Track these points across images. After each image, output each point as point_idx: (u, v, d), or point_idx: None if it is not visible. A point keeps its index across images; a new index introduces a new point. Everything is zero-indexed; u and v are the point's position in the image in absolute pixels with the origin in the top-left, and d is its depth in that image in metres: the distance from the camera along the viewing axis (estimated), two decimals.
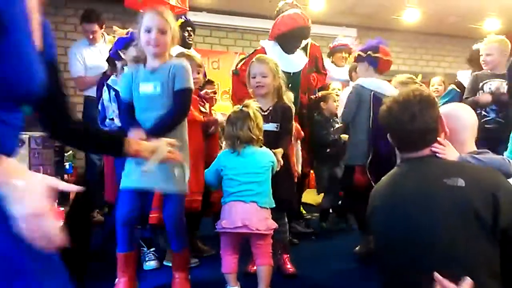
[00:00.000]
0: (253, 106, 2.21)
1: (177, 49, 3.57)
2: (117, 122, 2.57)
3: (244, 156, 2.13)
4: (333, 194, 3.67)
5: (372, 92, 2.79)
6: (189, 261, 2.32)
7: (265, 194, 2.14)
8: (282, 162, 2.30)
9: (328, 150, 3.59)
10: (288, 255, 2.59)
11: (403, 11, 5.83)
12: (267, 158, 2.19)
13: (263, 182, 2.14)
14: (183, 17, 3.75)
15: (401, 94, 1.55)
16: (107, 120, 2.64)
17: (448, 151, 1.50)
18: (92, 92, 3.51)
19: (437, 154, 1.49)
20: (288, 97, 2.60)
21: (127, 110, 2.17)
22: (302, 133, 3.11)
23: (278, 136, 2.43)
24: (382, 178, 1.63)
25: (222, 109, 5.15)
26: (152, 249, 2.61)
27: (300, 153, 3.18)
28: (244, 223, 2.04)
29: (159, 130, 2.02)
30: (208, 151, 2.79)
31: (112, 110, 2.63)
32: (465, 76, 3.70)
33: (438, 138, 1.50)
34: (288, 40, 3.20)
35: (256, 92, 2.54)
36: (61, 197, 2.25)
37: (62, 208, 1.98)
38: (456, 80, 3.82)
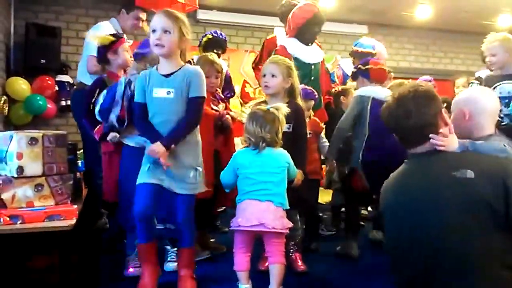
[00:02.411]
0: (284, 110, 2.20)
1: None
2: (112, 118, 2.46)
3: (262, 156, 2.12)
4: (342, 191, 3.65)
5: (371, 97, 2.83)
6: (194, 259, 2.31)
7: (281, 195, 2.13)
8: (300, 181, 2.33)
9: (341, 145, 3.55)
10: (299, 254, 2.58)
11: (415, 7, 5.77)
12: (283, 158, 2.18)
13: (279, 183, 2.13)
14: (212, 33, 3.83)
15: (398, 91, 1.55)
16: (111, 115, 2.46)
17: (448, 143, 1.48)
18: (86, 80, 3.30)
19: (436, 147, 1.47)
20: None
21: (142, 111, 2.16)
22: (322, 125, 3.12)
23: (290, 137, 2.39)
24: (391, 174, 1.62)
25: (231, 107, 5.16)
26: (175, 249, 2.55)
27: (326, 147, 3.17)
28: (260, 221, 2.03)
29: (176, 138, 2.09)
30: (224, 146, 2.81)
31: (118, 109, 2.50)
32: (484, 74, 3.64)
33: (440, 130, 1.48)
34: (307, 31, 3.24)
35: (263, 91, 2.55)
36: (74, 194, 2.29)
37: (75, 206, 2.00)
38: (477, 77, 3.78)
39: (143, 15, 3.57)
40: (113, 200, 2.60)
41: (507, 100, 3.12)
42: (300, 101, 2.58)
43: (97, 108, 2.49)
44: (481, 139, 1.61)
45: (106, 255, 2.71)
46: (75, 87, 3.66)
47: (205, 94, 2.19)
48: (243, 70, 5.90)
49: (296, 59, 3.20)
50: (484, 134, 1.66)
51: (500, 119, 3.13)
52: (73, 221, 1.87)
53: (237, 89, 5.14)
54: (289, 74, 2.49)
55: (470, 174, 1.35)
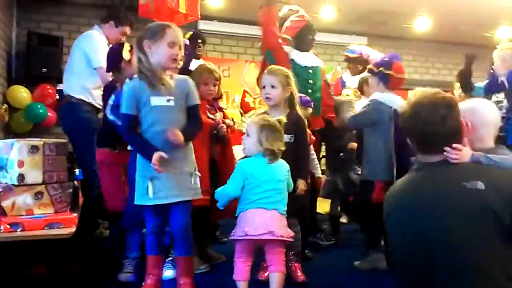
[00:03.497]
0: (283, 122, 2.25)
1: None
2: None
3: (269, 166, 2.14)
4: (338, 200, 3.65)
5: (393, 109, 2.74)
6: (193, 267, 2.31)
7: (283, 202, 2.16)
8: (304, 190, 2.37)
9: (341, 154, 3.57)
10: (299, 264, 2.58)
11: (415, 19, 5.82)
12: (286, 167, 2.21)
13: (282, 191, 2.16)
14: (192, 30, 3.89)
15: (425, 97, 1.53)
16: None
17: (461, 156, 1.49)
18: (76, 92, 3.31)
19: (450, 160, 1.47)
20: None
21: (132, 123, 2.10)
22: (313, 137, 3.11)
23: (292, 147, 2.41)
24: (396, 182, 1.62)
25: (231, 116, 5.17)
26: (170, 259, 2.55)
27: (315, 158, 3.18)
28: (268, 229, 2.03)
29: (189, 135, 2.11)
30: (222, 155, 2.83)
31: None
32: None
33: (454, 145, 1.48)
34: (302, 39, 3.30)
35: (265, 103, 2.59)
36: (73, 203, 2.29)
37: (75, 214, 2.00)
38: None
39: (129, 31, 3.57)
40: (114, 209, 2.61)
41: (501, 104, 3.19)
42: (299, 109, 2.60)
43: (108, 109, 2.49)
44: (482, 150, 1.61)
45: (107, 262, 2.70)
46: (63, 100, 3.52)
47: (199, 102, 2.23)
48: (244, 81, 5.94)
49: (293, 62, 3.26)
50: (484, 146, 1.66)
51: None
52: (73, 229, 1.87)
53: (237, 99, 5.18)
54: (288, 82, 2.52)
55: (480, 185, 1.36)
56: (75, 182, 2.89)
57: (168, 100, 2.09)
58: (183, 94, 2.14)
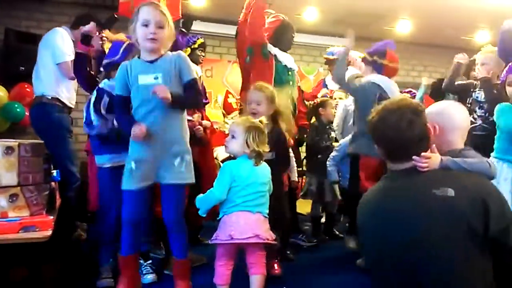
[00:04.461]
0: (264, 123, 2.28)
1: None
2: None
3: (255, 168, 2.14)
4: (321, 202, 3.66)
5: (378, 93, 2.75)
6: (191, 269, 2.28)
7: (266, 205, 2.16)
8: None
9: (319, 156, 3.58)
10: (276, 261, 2.61)
11: (396, 22, 5.88)
12: (268, 170, 2.22)
13: (265, 194, 2.17)
14: (201, 37, 3.91)
15: (391, 103, 1.54)
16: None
17: (430, 163, 1.47)
18: (51, 91, 3.24)
19: (420, 169, 1.46)
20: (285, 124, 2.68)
21: (122, 104, 2.11)
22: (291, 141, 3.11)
23: (273, 163, 2.39)
24: (369, 190, 1.61)
25: (213, 117, 5.14)
26: (148, 262, 2.55)
27: (294, 160, 3.18)
28: (254, 233, 2.03)
29: (179, 99, 2.04)
30: (202, 157, 2.80)
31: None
32: None
33: (422, 154, 1.47)
34: (280, 37, 3.28)
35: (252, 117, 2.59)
36: (49, 204, 2.24)
37: (51, 217, 1.95)
38: None
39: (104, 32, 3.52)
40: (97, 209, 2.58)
41: (481, 104, 3.24)
42: (283, 126, 2.63)
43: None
44: (451, 153, 1.59)
45: (85, 266, 2.65)
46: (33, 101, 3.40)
47: (196, 76, 2.19)
48: (226, 81, 5.90)
49: (276, 59, 3.25)
50: (452, 148, 1.64)
51: (473, 120, 3.24)
52: (49, 233, 1.82)
53: (220, 99, 5.15)
54: (273, 100, 2.58)
55: (450, 192, 1.36)
56: (52, 184, 2.84)
57: (156, 77, 2.04)
58: (172, 70, 2.07)
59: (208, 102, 4.14)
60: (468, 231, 1.32)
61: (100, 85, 2.46)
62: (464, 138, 1.71)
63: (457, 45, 6.73)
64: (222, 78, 5.91)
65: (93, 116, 2.35)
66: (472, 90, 3.28)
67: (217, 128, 4.62)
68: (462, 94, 3.41)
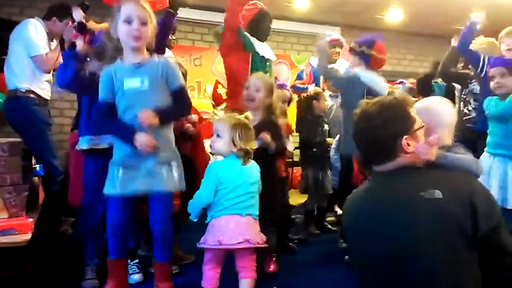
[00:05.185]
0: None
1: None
2: None
3: (244, 167, 2.04)
4: (318, 195, 3.62)
5: (367, 88, 2.74)
6: (172, 271, 2.22)
7: (256, 206, 2.07)
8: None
9: (314, 150, 3.54)
10: (272, 258, 2.58)
11: (387, 11, 5.82)
12: (257, 169, 2.12)
13: (255, 194, 2.07)
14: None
15: (376, 101, 1.47)
16: None
17: (430, 153, 1.42)
18: (27, 83, 3.11)
19: (422, 156, 1.41)
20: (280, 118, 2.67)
21: (108, 111, 2.00)
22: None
23: (259, 152, 2.31)
24: (354, 191, 1.56)
25: (203, 107, 5.06)
26: (135, 261, 2.47)
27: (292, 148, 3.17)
28: (244, 238, 1.94)
29: (166, 115, 1.99)
30: (195, 150, 2.75)
31: None
32: None
33: (430, 138, 1.42)
34: (257, 26, 3.17)
35: (246, 104, 2.57)
36: (30, 203, 2.16)
37: (31, 219, 1.87)
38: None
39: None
40: (78, 205, 2.49)
41: (476, 97, 3.21)
42: (277, 116, 2.60)
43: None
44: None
45: (71, 262, 2.55)
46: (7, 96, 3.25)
47: (184, 82, 2.14)
48: (215, 70, 5.81)
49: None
50: (440, 145, 1.61)
51: (467, 111, 3.22)
52: (28, 236, 1.74)
53: (209, 89, 5.05)
54: (271, 90, 2.56)
55: (438, 194, 1.31)
56: (36, 179, 2.76)
57: (142, 81, 1.97)
58: (159, 74, 2.00)
59: None
60: (456, 231, 1.28)
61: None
62: (451, 134, 1.69)
63: (447, 34, 6.69)
64: (211, 67, 5.81)
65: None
66: (468, 81, 3.25)
67: (207, 119, 4.56)
68: (459, 83, 3.37)
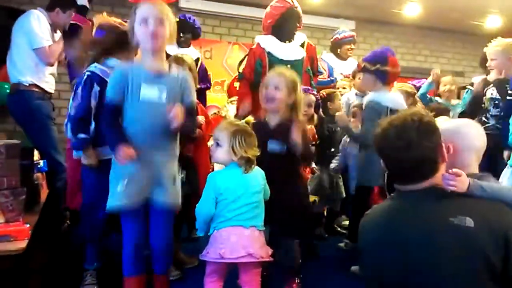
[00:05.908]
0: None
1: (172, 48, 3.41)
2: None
3: (245, 175, 1.93)
4: (332, 198, 3.48)
5: (388, 108, 2.59)
6: (169, 282, 2.14)
7: (261, 216, 1.97)
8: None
9: (332, 150, 3.42)
10: (296, 280, 2.34)
11: (404, 5, 5.65)
12: (261, 175, 2.01)
13: (259, 204, 1.96)
14: (180, 17, 3.74)
15: (399, 117, 1.37)
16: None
17: (459, 184, 1.31)
18: (33, 77, 3.04)
19: (447, 187, 1.30)
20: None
21: (115, 114, 1.89)
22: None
23: (284, 159, 2.20)
24: (374, 208, 1.46)
25: (212, 101, 4.97)
26: None
27: None
28: (248, 252, 1.84)
29: (185, 127, 1.92)
30: (197, 151, 2.66)
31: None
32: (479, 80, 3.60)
33: (453, 170, 1.31)
34: (282, 27, 3.10)
35: (265, 105, 2.32)
36: (30, 204, 2.09)
37: (28, 225, 1.79)
38: (471, 83, 3.72)
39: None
40: (75, 208, 2.42)
41: (496, 102, 3.08)
42: (302, 117, 2.34)
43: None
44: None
45: (70, 268, 2.48)
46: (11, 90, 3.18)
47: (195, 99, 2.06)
48: (226, 63, 5.70)
49: (270, 54, 3.09)
50: (468, 172, 1.49)
51: (485, 119, 3.08)
52: (24, 244, 1.65)
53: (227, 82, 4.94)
54: (294, 88, 2.28)
55: (469, 222, 1.21)
56: (39, 175, 2.69)
57: (161, 94, 1.87)
58: (177, 88, 1.93)
59: (209, 87, 3.99)
60: (485, 266, 1.19)
61: (90, 69, 2.24)
62: (479, 160, 1.55)
63: (465, 30, 6.52)
64: (222, 60, 5.71)
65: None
66: (487, 87, 3.11)
67: (215, 113, 4.47)
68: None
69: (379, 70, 2.64)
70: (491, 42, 3.24)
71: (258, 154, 1.96)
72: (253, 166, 1.95)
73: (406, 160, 1.31)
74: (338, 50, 4.26)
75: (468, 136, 1.53)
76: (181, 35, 3.70)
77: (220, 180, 1.90)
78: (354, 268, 2.65)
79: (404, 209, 1.34)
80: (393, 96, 2.67)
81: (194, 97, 2.01)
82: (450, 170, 1.31)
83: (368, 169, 2.62)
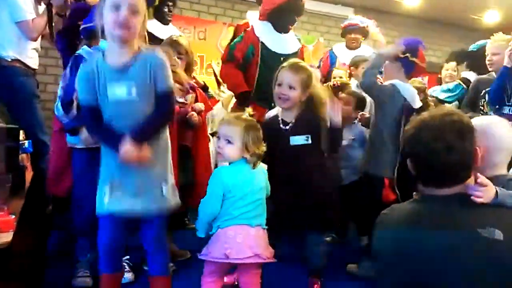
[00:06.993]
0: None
1: (154, 24, 3.20)
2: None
3: (252, 172, 1.83)
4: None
5: (406, 102, 2.44)
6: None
7: (264, 214, 1.88)
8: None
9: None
10: (318, 281, 2.23)
11: None
12: (264, 171, 1.92)
13: (263, 201, 1.87)
14: None
15: (434, 117, 1.26)
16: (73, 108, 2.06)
17: (486, 194, 1.23)
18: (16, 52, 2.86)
19: (473, 198, 1.22)
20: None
21: (94, 116, 1.70)
22: None
23: (309, 151, 2.11)
24: (391, 211, 1.36)
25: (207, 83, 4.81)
26: (126, 257, 2.25)
27: None
28: (254, 252, 1.75)
29: (146, 133, 1.67)
30: (195, 141, 2.53)
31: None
32: (470, 76, 3.50)
33: (478, 180, 1.23)
34: (279, 16, 2.94)
35: (278, 103, 2.22)
36: (14, 189, 1.96)
37: (13, 216, 1.65)
38: (462, 77, 3.61)
39: None
40: (59, 195, 2.28)
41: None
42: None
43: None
44: (497, 181, 1.33)
45: (54, 261, 2.37)
46: None
47: (172, 85, 1.78)
48: (220, 45, 5.52)
49: (263, 45, 2.93)
50: (496, 173, 1.42)
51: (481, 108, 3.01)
52: (9, 237, 1.51)
53: (215, 66, 4.78)
54: (309, 85, 2.16)
55: (498, 235, 1.13)
56: (24, 156, 2.54)
57: (129, 90, 1.65)
58: (147, 77, 1.67)
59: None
60: (511, 281, 1.10)
61: (78, 51, 2.12)
62: (508, 159, 1.48)
63: (464, 24, 6.45)
64: (216, 42, 5.52)
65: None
66: (485, 90, 3.02)
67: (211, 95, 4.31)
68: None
69: (408, 59, 2.48)
70: (489, 38, 3.13)
71: (265, 149, 1.85)
72: (259, 162, 1.86)
73: (443, 164, 1.21)
74: (344, 39, 4.07)
75: (498, 135, 1.46)
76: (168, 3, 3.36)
77: (227, 176, 1.79)
78: (350, 266, 2.58)
79: (429, 216, 1.24)
80: (414, 92, 2.52)
81: (169, 83, 1.73)
82: (478, 180, 1.22)
83: (378, 157, 2.46)
